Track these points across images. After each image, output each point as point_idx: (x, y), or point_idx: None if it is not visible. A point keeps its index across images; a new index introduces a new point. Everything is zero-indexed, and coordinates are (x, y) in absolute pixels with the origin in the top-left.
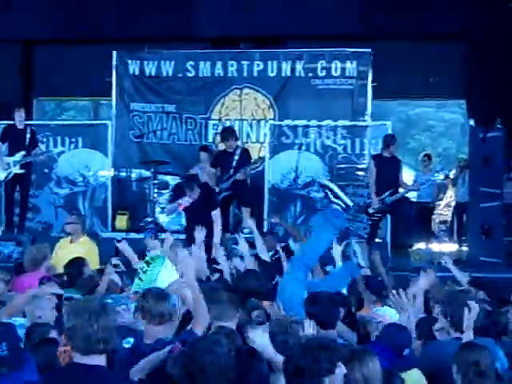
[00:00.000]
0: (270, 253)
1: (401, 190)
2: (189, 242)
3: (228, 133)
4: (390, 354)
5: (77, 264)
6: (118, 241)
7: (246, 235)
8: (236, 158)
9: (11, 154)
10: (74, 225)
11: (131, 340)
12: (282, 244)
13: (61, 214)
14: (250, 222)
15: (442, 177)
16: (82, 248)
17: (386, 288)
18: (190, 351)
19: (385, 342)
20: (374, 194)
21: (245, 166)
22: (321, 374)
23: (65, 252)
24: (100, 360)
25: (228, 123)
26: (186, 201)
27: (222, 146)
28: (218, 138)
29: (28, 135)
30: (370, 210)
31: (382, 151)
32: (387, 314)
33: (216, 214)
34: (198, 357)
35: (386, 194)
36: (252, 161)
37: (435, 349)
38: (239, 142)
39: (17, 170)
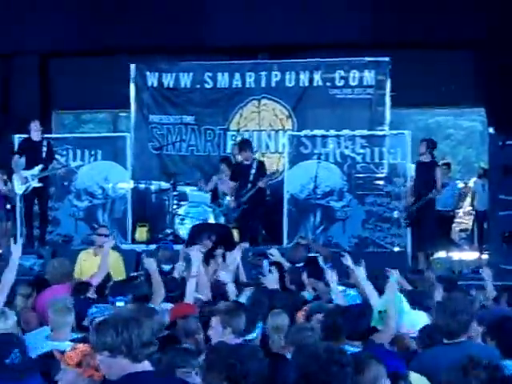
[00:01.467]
0: (301, 264)
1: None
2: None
3: (246, 144)
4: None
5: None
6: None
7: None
8: (253, 171)
9: (29, 167)
10: (104, 237)
11: None
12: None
13: (80, 226)
14: (275, 252)
15: (461, 185)
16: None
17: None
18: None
19: None
20: None
21: (261, 178)
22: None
23: (90, 264)
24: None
25: (247, 134)
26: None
27: (238, 158)
28: (236, 148)
29: (45, 148)
30: None
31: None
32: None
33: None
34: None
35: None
36: (270, 173)
37: (431, 355)
38: (258, 154)
39: (35, 183)
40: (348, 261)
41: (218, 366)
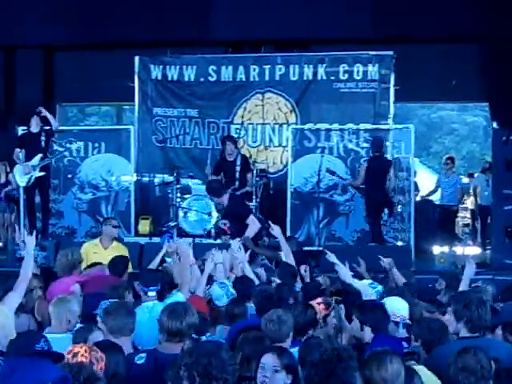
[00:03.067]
0: None
1: None
2: None
3: (228, 138)
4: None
5: (124, 262)
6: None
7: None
8: (238, 168)
9: (28, 158)
10: (118, 228)
11: (144, 355)
12: None
13: (84, 218)
14: (276, 228)
15: (466, 180)
16: (117, 253)
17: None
18: None
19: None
20: None
21: (246, 173)
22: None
23: (100, 257)
24: None
25: (250, 127)
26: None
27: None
28: (242, 142)
29: (43, 138)
30: None
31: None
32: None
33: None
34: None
35: None
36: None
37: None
38: (261, 147)
39: (37, 173)
40: (333, 258)
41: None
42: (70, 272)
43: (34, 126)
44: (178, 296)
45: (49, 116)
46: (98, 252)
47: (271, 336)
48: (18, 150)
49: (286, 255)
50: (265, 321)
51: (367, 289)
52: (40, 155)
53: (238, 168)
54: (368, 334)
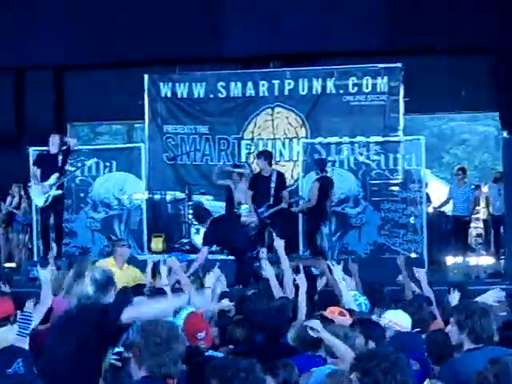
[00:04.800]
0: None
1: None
2: None
3: (263, 154)
4: None
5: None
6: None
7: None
8: (272, 185)
9: (45, 178)
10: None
11: None
12: None
13: (97, 237)
14: (279, 243)
15: (479, 191)
16: (132, 273)
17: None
18: None
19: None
20: None
21: (281, 190)
22: None
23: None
24: None
25: (261, 143)
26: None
27: (255, 167)
28: (252, 158)
29: (60, 157)
30: None
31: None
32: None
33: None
34: None
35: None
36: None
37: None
38: (273, 161)
39: (54, 191)
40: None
41: None
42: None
43: (54, 147)
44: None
45: (69, 139)
46: (115, 272)
47: None
48: (34, 168)
49: (285, 271)
50: None
51: (351, 300)
52: (56, 174)
53: (273, 184)
54: None
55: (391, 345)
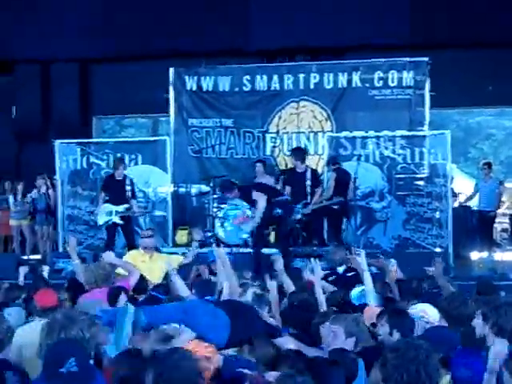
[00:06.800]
0: (342, 267)
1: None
2: None
3: (295, 154)
4: None
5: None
6: None
7: None
8: (308, 182)
9: (113, 202)
10: (154, 238)
11: None
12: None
13: None
14: (279, 263)
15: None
16: (161, 262)
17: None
18: None
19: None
20: None
21: (315, 188)
22: None
23: (145, 266)
24: None
25: (286, 136)
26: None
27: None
28: (277, 151)
29: (128, 187)
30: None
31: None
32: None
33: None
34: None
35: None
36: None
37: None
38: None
39: (117, 219)
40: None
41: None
42: (103, 284)
43: (117, 172)
44: None
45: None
46: (145, 261)
47: None
48: (103, 194)
49: (288, 288)
50: None
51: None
52: (127, 205)
53: (308, 182)
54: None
55: (425, 338)
